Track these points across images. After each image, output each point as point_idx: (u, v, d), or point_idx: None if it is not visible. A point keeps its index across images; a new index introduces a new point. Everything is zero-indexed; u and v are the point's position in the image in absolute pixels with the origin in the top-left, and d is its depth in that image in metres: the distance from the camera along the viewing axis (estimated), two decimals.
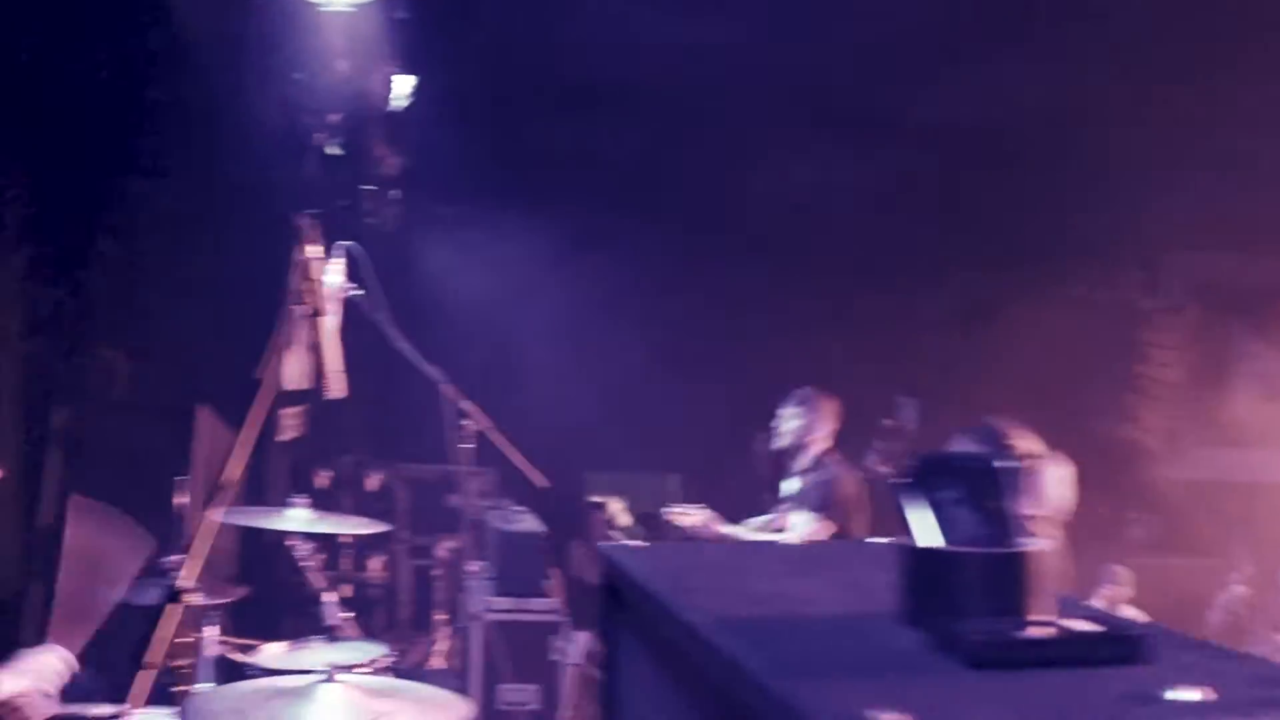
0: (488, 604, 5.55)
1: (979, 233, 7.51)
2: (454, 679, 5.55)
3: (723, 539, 5.83)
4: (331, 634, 4.05)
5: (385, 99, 6.38)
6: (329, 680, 2.85)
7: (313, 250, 2.23)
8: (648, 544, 2.05)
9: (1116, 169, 6.89)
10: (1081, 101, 6.66)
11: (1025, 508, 1.34)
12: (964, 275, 7.75)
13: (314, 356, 2.23)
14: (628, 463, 7.75)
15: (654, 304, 7.52)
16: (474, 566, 6.46)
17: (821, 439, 5.59)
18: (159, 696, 3.55)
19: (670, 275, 7.65)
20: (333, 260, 2.23)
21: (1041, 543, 1.30)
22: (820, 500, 5.40)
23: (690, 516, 5.95)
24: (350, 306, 3.78)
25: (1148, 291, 8.34)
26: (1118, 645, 1.23)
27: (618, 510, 9.27)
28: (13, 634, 3.33)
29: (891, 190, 7.11)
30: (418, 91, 6.40)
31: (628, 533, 8.77)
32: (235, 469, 1.88)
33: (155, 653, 1.82)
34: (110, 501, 3.65)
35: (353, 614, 4.27)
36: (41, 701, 3.36)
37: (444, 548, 7.57)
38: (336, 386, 2.25)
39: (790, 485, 5.70)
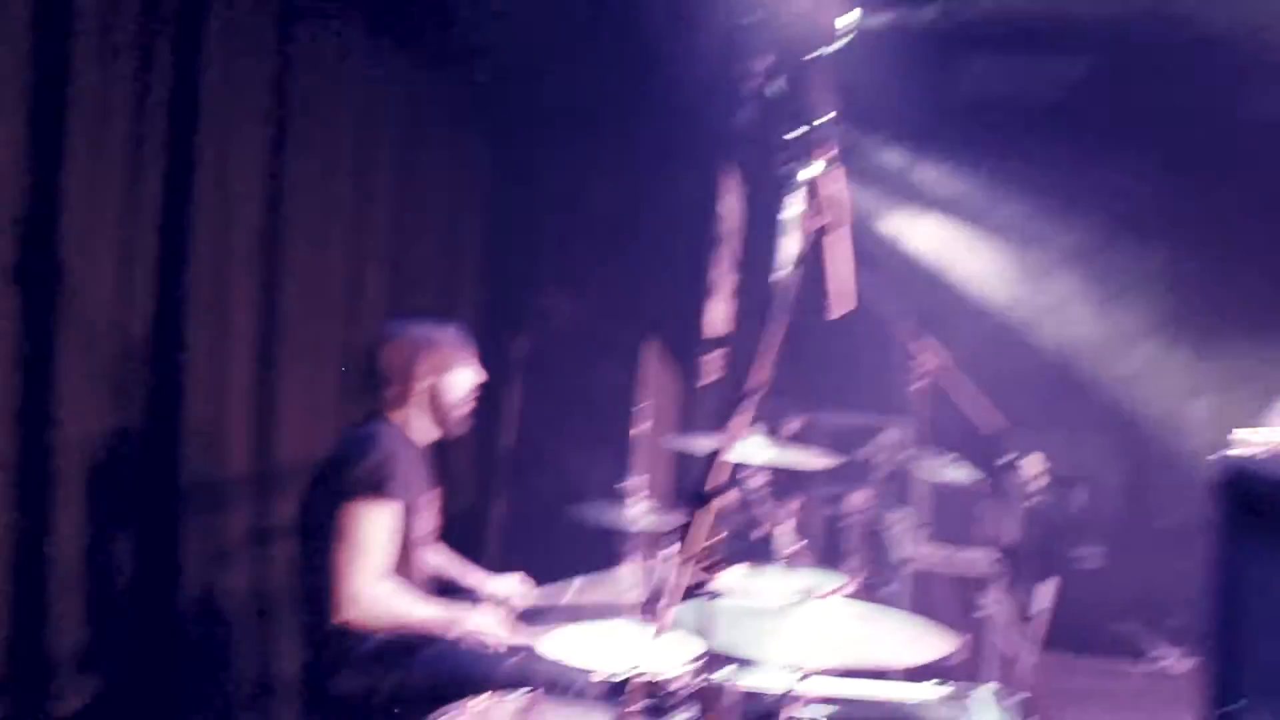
0: (916, 553, 5.43)
1: None
2: None
3: None
4: (788, 562, 4.07)
5: (829, 37, 6.31)
6: (809, 601, 2.82)
7: (819, 167, 2.16)
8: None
9: None
10: None
11: None
12: None
13: (831, 273, 2.17)
14: (1056, 420, 7.31)
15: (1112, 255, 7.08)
16: (897, 515, 6.35)
17: None
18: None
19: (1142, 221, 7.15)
20: (835, 172, 2.16)
21: None
22: None
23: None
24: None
25: None
26: None
27: (1037, 468, 8.87)
28: (475, 552, 3.54)
29: None
30: (859, 28, 6.28)
31: (1040, 494, 8.38)
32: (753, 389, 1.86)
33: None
34: (563, 428, 3.81)
35: (804, 543, 4.27)
36: (506, 628, 3.57)
37: (860, 497, 7.50)
38: (843, 304, 2.18)
39: None
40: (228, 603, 3.92)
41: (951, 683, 3.25)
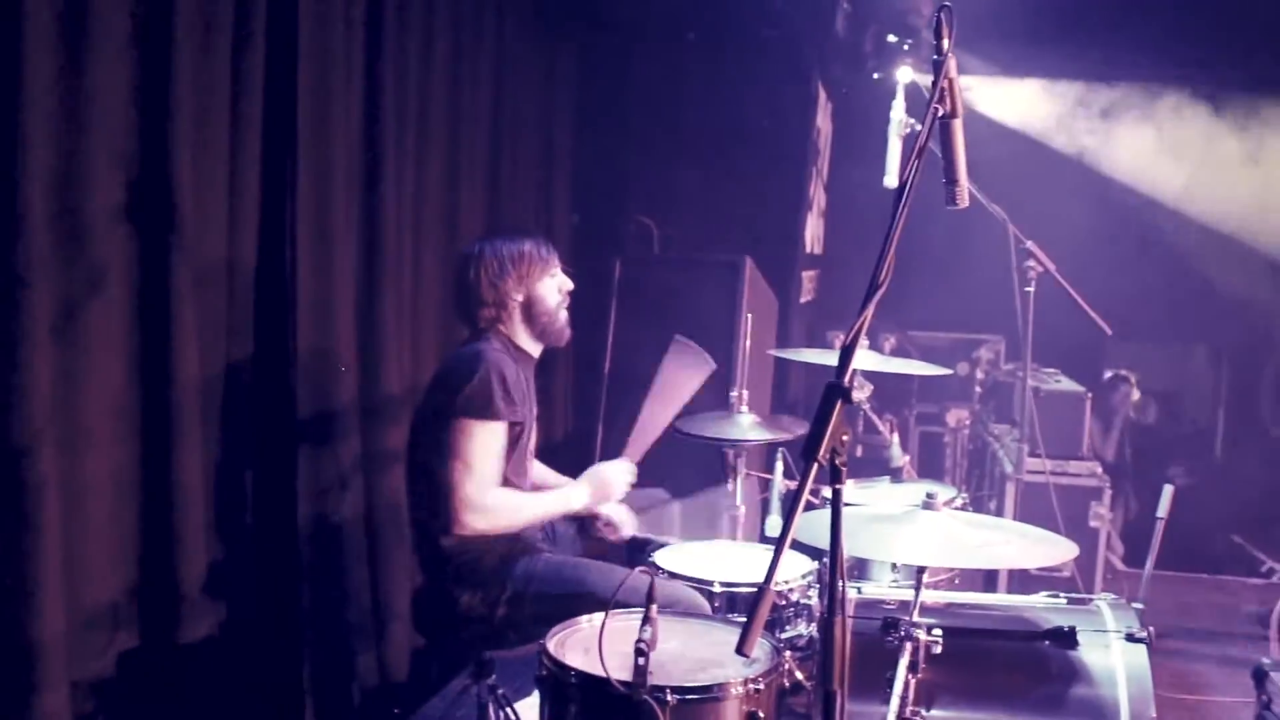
0: (1019, 467, 5.36)
1: None
2: None
3: None
4: (896, 475, 4.07)
5: None
6: (927, 508, 2.80)
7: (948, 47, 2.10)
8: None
9: None
10: None
11: None
12: None
13: (954, 161, 2.12)
14: (1155, 334, 7.19)
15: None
16: (1000, 430, 6.28)
17: None
18: None
19: None
20: (950, 61, 2.10)
21: None
22: None
23: None
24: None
25: None
26: None
27: (1131, 386, 8.74)
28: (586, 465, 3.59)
29: None
30: None
31: (1136, 409, 8.25)
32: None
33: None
34: (656, 342, 3.81)
35: (909, 457, 4.25)
36: (629, 521, 3.61)
37: (954, 416, 7.44)
38: (963, 198, 2.13)
39: None
40: (343, 529, 4.00)
41: (1063, 594, 3.21)
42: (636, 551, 3.59)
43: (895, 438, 4.20)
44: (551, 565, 3.32)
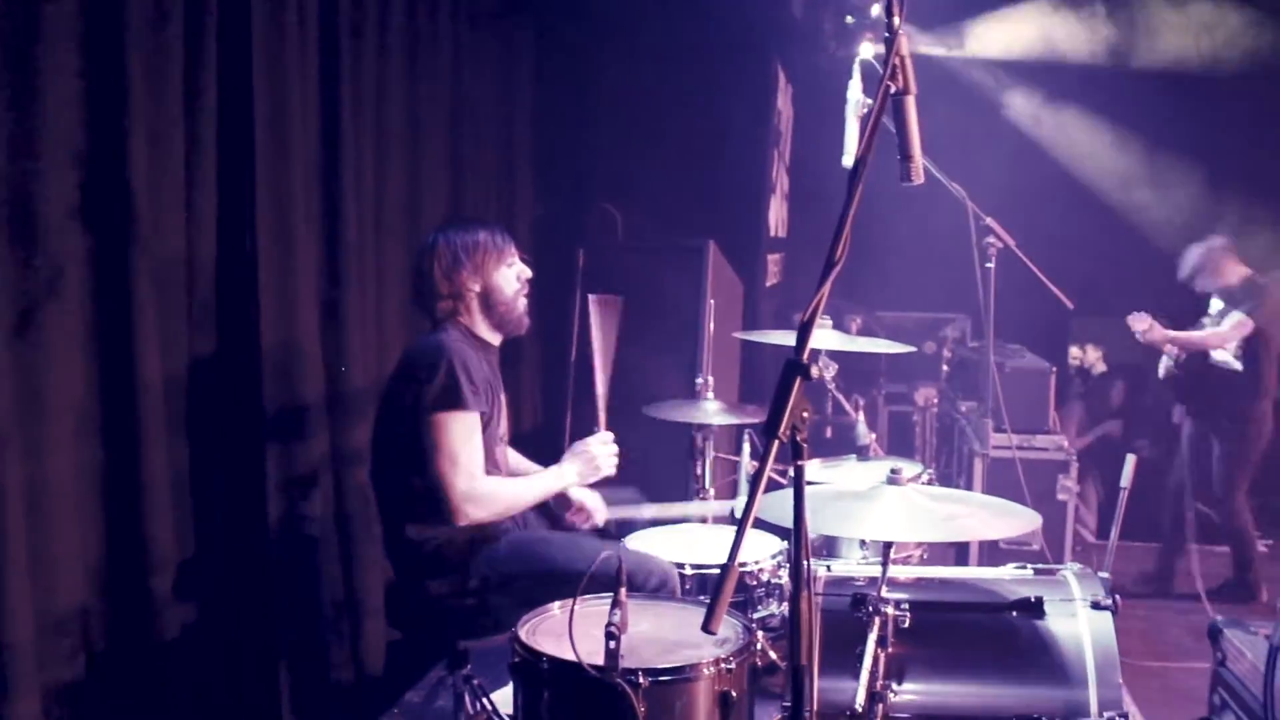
0: (989, 442, 5.41)
1: None
2: None
3: (1172, 340, 6.00)
4: (862, 453, 4.09)
5: None
6: (892, 483, 2.83)
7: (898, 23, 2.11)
8: None
9: None
10: None
11: None
12: None
13: (909, 137, 2.13)
14: (1118, 309, 7.24)
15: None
16: (967, 406, 6.32)
17: None
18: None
19: None
20: (903, 39, 2.10)
21: None
22: None
23: (1140, 323, 5.90)
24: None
25: None
26: None
27: (1095, 359, 8.82)
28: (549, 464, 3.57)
29: None
30: None
31: (1107, 381, 8.34)
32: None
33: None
34: (622, 329, 3.80)
35: (875, 435, 4.28)
36: (600, 508, 3.62)
37: (921, 395, 7.49)
38: (918, 173, 2.14)
39: None
40: (314, 525, 3.99)
41: (1030, 565, 3.25)
42: (608, 538, 3.60)
43: (861, 416, 4.22)
44: (514, 545, 3.32)
